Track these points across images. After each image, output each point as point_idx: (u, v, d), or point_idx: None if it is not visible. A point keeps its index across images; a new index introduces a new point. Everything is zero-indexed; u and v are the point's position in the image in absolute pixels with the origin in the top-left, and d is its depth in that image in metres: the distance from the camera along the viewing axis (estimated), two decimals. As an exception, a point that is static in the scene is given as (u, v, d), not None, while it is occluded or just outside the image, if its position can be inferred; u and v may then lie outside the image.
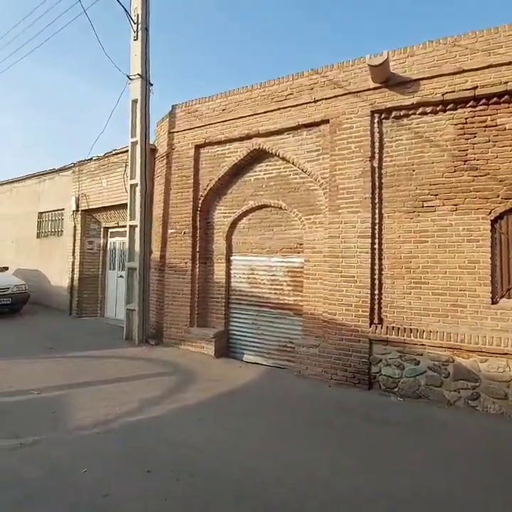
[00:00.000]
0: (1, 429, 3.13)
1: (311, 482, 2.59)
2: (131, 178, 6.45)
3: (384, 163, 4.58)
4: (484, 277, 4.01)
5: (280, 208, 5.48)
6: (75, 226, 8.68)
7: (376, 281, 4.51)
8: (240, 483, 2.53)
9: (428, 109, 4.36)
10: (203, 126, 5.96)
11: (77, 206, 8.56)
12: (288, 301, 5.42)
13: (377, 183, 4.57)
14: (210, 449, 2.97)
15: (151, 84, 6.41)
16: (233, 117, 5.63)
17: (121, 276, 8.36)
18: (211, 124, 5.87)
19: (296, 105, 5.09)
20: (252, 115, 5.46)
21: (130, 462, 2.73)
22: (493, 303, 3.97)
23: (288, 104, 5.15)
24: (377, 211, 4.55)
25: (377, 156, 4.58)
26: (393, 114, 4.53)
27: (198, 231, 6.07)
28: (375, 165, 4.57)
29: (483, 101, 4.09)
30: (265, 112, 5.35)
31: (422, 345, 4.13)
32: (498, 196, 4.00)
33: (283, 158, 5.36)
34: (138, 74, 6.20)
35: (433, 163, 4.33)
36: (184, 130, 6.20)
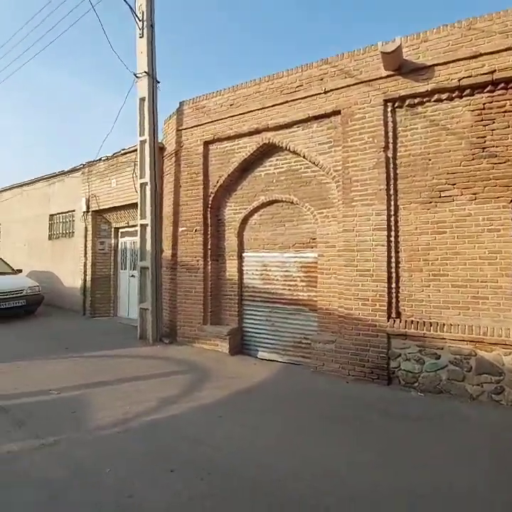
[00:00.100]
0: (24, 430, 3.14)
1: (327, 478, 2.56)
2: (140, 177, 6.43)
3: (398, 154, 4.47)
4: (506, 268, 3.89)
5: (292, 202, 5.41)
6: (85, 227, 8.72)
7: (393, 275, 4.41)
8: (257, 480, 2.50)
9: (444, 96, 4.23)
10: (211, 122, 5.90)
11: (88, 207, 8.59)
12: (302, 297, 5.35)
13: (391, 174, 4.46)
14: (229, 446, 2.94)
15: (158, 82, 6.36)
16: (242, 112, 5.56)
17: (132, 275, 8.39)
18: (219, 119, 5.80)
19: (306, 97, 4.99)
20: (260, 109, 5.38)
21: (152, 461, 2.72)
22: (516, 294, 3.85)
23: (297, 96, 5.06)
24: (392, 203, 4.45)
25: (391, 146, 4.47)
26: (407, 102, 4.41)
27: (209, 228, 6.03)
28: (390, 155, 4.47)
29: (502, 85, 3.95)
30: (274, 105, 5.26)
31: (443, 338, 4.03)
32: (520, 183, 3.87)
33: (293, 152, 5.28)
34: (145, 71, 6.16)
35: (450, 151, 4.21)
36: (192, 127, 6.15)
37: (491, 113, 4.04)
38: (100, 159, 8.33)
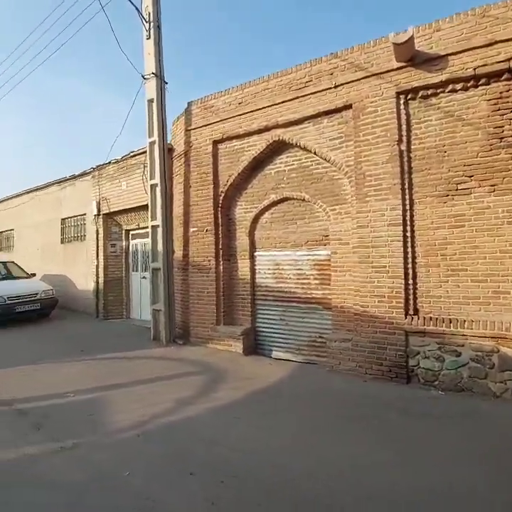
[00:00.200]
0: (42, 433, 3.15)
1: (343, 477, 2.51)
2: (150, 179, 6.43)
3: (412, 147, 4.36)
4: (529, 261, 3.76)
5: (303, 199, 5.34)
6: (97, 230, 8.79)
7: (409, 271, 4.31)
8: (271, 482, 2.45)
9: (458, 86, 4.12)
10: (220, 121, 5.86)
11: (99, 210, 8.65)
12: (316, 295, 5.28)
13: (406, 168, 4.36)
14: (251, 448, 2.90)
15: (166, 83, 6.36)
16: (250, 110, 5.51)
17: (144, 277, 8.41)
18: (228, 118, 5.76)
19: (316, 92, 4.92)
20: (269, 106, 5.32)
21: (170, 464, 2.69)
22: (539, 288, 3.72)
23: (307, 91, 4.99)
24: (407, 197, 4.35)
25: (404, 139, 4.37)
26: (420, 93, 4.30)
27: (220, 228, 5.99)
28: (403, 149, 4.36)
29: (520, 73, 3.82)
30: (283, 102, 5.20)
31: (463, 335, 3.92)
32: (541, 173, 3.74)
33: (304, 149, 5.21)
34: (152, 73, 6.16)
35: (466, 142, 4.09)
36: (201, 127, 6.13)
37: (508, 102, 3.91)
38: (110, 162, 8.38)
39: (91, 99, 38.48)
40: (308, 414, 3.55)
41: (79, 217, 9.70)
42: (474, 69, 3.98)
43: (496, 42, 3.88)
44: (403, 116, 4.38)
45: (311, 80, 4.98)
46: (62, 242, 10.34)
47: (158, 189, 6.30)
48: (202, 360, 5.28)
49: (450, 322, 4.04)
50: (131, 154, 7.83)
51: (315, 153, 5.09)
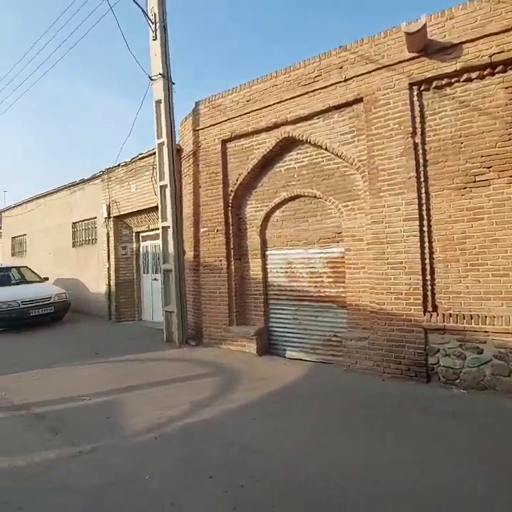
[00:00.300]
0: (59, 437, 3.14)
1: (356, 477, 2.48)
2: (160, 180, 6.42)
3: (427, 139, 4.25)
4: (553, 253, 3.62)
5: (314, 196, 5.25)
6: (107, 233, 8.83)
7: (427, 266, 4.19)
8: (285, 484, 2.38)
9: (474, 75, 3.99)
10: (228, 119, 5.81)
11: (109, 213, 8.69)
12: (329, 293, 5.19)
13: (421, 161, 4.24)
14: (266, 449, 2.84)
15: (173, 83, 6.34)
16: (259, 107, 5.44)
17: (155, 279, 8.42)
18: (236, 116, 5.71)
19: (325, 87, 4.83)
20: (278, 103, 5.25)
21: (189, 467, 2.65)
22: None
23: (316, 86, 4.90)
24: (423, 191, 4.23)
25: (418, 131, 4.26)
26: (434, 84, 4.18)
27: (231, 228, 5.94)
28: (418, 141, 4.25)
29: (539, 58, 3.69)
30: (292, 98, 5.12)
31: (485, 332, 3.79)
32: None
33: (314, 145, 5.12)
34: (159, 73, 6.14)
35: (483, 133, 3.96)
36: (209, 126, 6.09)
37: (527, 89, 3.78)
38: (119, 165, 8.41)
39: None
40: (324, 414, 3.48)
41: (89, 220, 9.77)
42: (490, 56, 3.85)
43: (513, 27, 3.75)
44: (417, 108, 4.27)
45: (320, 75, 4.90)
46: (73, 246, 10.43)
47: (167, 190, 6.28)
48: (215, 361, 5.24)
49: (471, 318, 3.91)
50: (140, 156, 7.84)
51: (326, 148, 5.01)
